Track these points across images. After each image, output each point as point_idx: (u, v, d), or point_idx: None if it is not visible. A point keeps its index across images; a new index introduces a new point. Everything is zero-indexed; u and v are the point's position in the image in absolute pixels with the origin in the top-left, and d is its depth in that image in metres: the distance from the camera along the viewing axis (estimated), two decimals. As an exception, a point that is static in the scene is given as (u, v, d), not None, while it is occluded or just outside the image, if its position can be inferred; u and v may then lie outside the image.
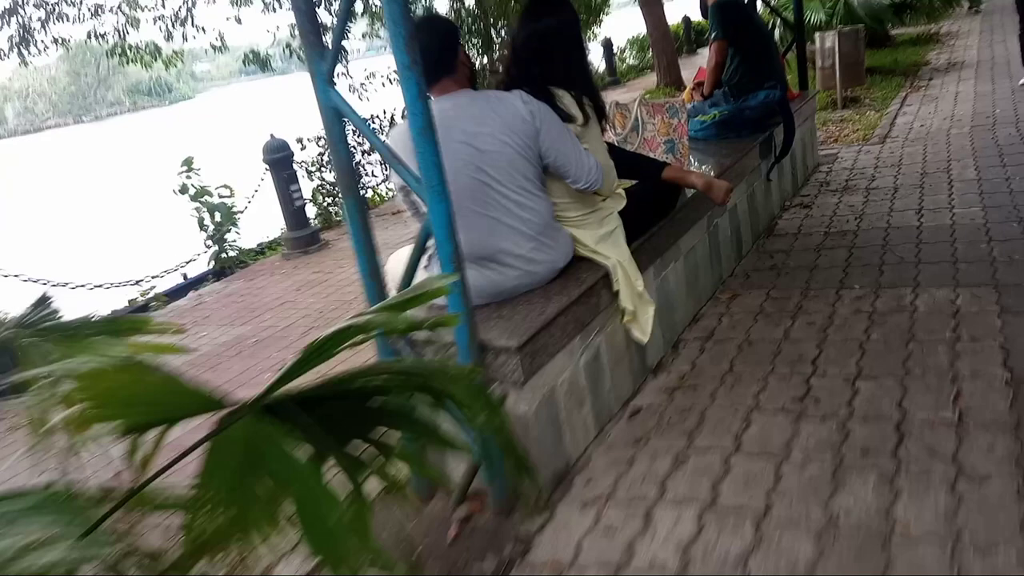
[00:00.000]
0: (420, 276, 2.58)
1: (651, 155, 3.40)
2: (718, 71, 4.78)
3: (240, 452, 0.79)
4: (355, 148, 7.47)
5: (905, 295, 3.20)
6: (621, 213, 2.81)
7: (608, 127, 3.41)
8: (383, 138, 2.30)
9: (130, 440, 0.97)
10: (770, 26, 7.95)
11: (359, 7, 10.61)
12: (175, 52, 14.94)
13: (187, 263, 6.84)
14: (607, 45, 15.57)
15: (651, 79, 13.58)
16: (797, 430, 2.42)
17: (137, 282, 6.27)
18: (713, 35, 4.77)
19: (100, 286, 5.66)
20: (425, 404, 0.90)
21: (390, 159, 2.11)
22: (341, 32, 2.05)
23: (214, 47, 12.06)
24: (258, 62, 12.01)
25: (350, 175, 2.19)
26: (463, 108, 2.39)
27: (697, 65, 6.85)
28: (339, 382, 0.89)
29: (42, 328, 1.72)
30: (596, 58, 16.24)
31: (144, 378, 0.81)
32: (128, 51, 14.02)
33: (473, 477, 2.33)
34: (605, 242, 2.68)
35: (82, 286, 5.49)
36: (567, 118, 2.57)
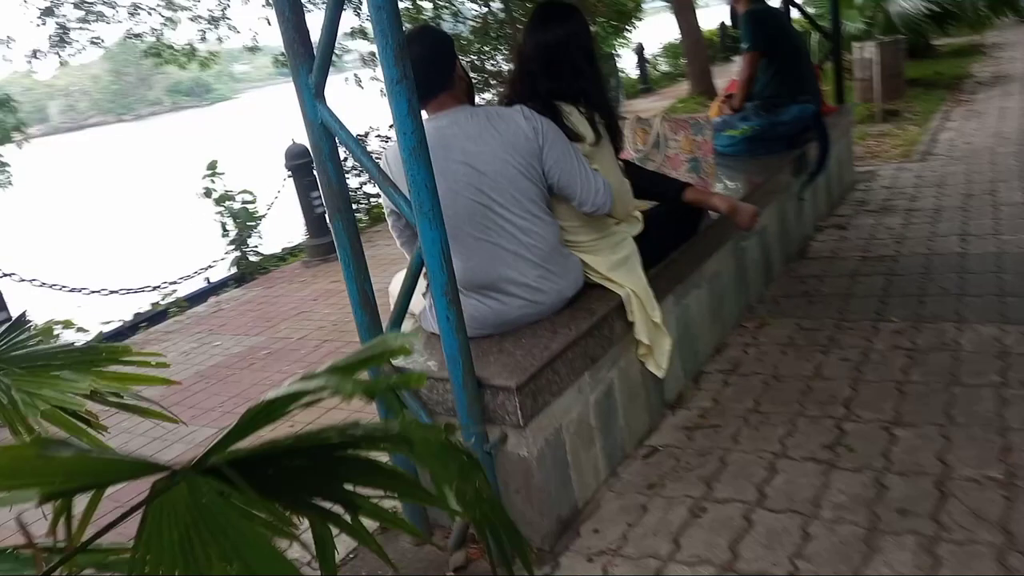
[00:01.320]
0: (419, 303, 2.42)
1: (673, 174, 3.20)
2: (749, 83, 4.55)
3: (184, 514, 0.73)
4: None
5: (947, 331, 2.96)
6: (638, 237, 2.61)
7: (627, 144, 3.22)
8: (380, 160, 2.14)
9: (56, 504, 0.92)
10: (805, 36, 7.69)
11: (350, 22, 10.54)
12: (210, 53, 15.03)
13: (207, 268, 6.76)
14: (639, 51, 15.32)
15: (684, 87, 13.32)
16: (827, 482, 2.20)
17: (154, 287, 6.19)
18: (745, 46, 4.55)
19: (116, 291, 5.57)
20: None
21: (380, 181, 1.94)
22: (329, 42, 1.89)
23: (248, 48, 12.08)
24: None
25: (340, 195, 2.03)
26: (461, 126, 2.22)
27: (731, 73, 6.62)
28: (293, 441, 0.80)
29: (9, 357, 1.58)
30: (628, 64, 16.03)
31: (52, 454, 0.71)
32: (164, 52, 14.11)
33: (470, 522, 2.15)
34: (619, 269, 2.49)
35: (98, 291, 5.40)
36: (574, 136, 2.38)
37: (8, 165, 14.17)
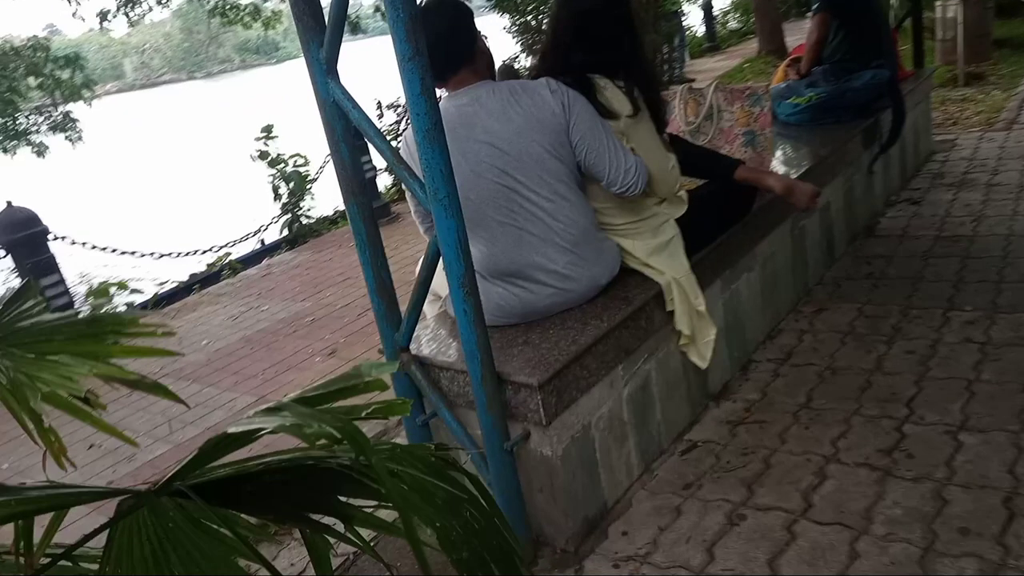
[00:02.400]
0: (446, 286, 2.29)
1: (726, 148, 2.98)
2: (818, 47, 4.24)
3: (151, 536, 0.73)
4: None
5: (1027, 323, 2.70)
6: (685, 218, 2.42)
7: (677, 115, 3.01)
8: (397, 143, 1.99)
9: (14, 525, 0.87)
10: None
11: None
12: (274, 12, 15.03)
13: (257, 232, 6.77)
14: (707, 8, 14.73)
15: (753, 45, 12.75)
16: (882, 492, 2.02)
17: (206, 251, 6.22)
18: (815, 6, 4.23)
19: (168, 255, 5.60)
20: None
21: (394, 165, 1.81)
22: (339, 15, 1.74)
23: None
24: (349, 23, 11.91)
25: (354, 178, 1.90)
26: (483, 103, 2.06)
27: (805, 30, 6.27)
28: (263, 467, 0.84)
29: (12, 331, 1.52)
30: (696, 22, 15.45)
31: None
32: (228, 12, 14.17)
33: (492, 521, 2.03)
34: (659, 254, 2.31)
35: (149, 254, 5.44)
36: (607, 113, 2.20)
37: (78, 121, 14.46)
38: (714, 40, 14.73)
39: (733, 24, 16.62)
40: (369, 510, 0.85)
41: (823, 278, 3.40)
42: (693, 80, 11.69)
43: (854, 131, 3.79)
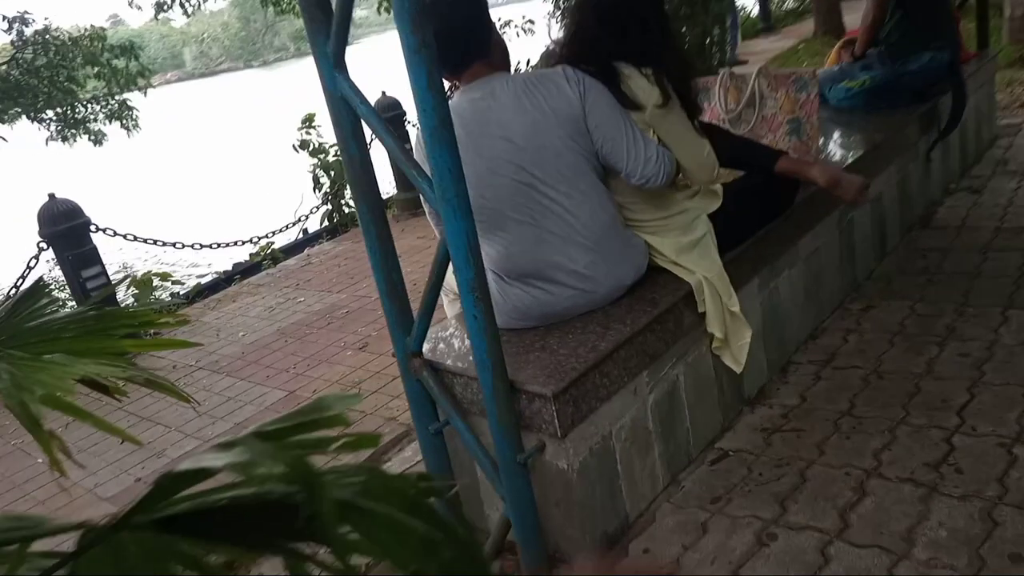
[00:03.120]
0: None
1: (769, 137, 2.82)
2: (875, 27, 4.00)
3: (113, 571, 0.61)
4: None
5: (1095, 325, 2.50)
6: (720, 212, 2.29)
7: (717, 102, 2.85)
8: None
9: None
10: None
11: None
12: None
13: (298, 222, 6.79)
14: (763, -13, 14.29)
15: (809, 26, 12.31)
16: (926, 511, 1.87)
17: (246, 242, 6.24)
18: (873, -17, 3.99)
19: (208, 246, 5.64)
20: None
21: (403, 163, 1.71)
22: (347, 5, 1.65)
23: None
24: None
25: (364, 177, 1.81)
26: (498, 96, 1.96)
27: (864, 10, 5.95)
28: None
29: (20, 331, 1.48)
30: (750, 2, 15.01)
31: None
32: (280, 1, 14.25)
33: (507, 531, 1.95)
34: (689, 252, 2.18)
35: (190, 246, 5.48)
36: (630, 104, 2.07)
37: (134, 110, 14.73)
38: (769, 20, 14.28)
39: (790, 3, 16.09)
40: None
41: (873, 272, 3.21)
42: (746, 62, 11.35)
43: (910, 117, 3.58)
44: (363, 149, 1.80)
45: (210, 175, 16.37)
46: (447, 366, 1.97)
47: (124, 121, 14.99)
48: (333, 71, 1.73)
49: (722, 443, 2.30)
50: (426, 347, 2.04)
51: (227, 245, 5.66)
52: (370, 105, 1.73)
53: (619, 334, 1.95)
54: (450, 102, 2.06)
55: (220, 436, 3.41)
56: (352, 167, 1.81)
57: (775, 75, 2.82)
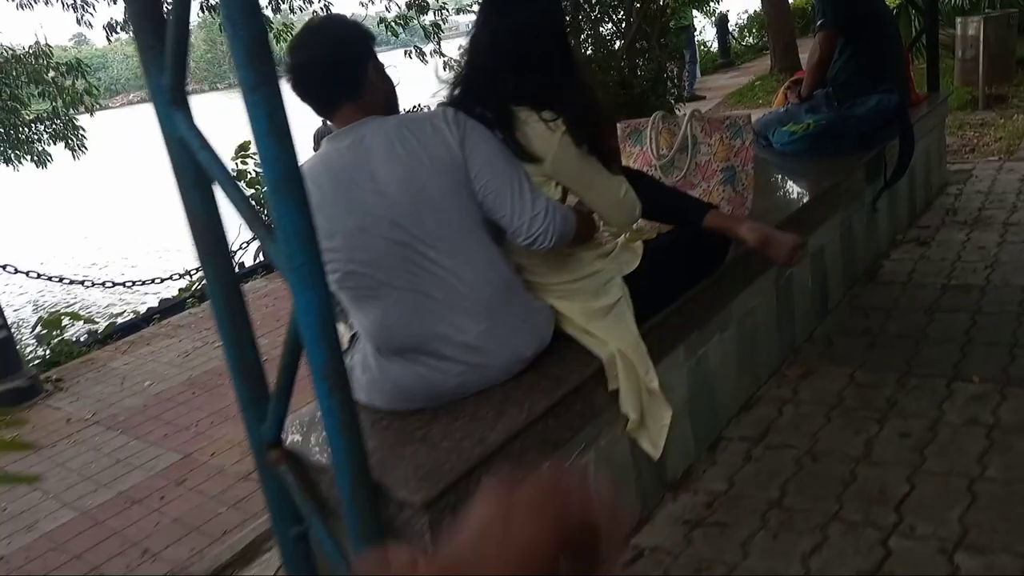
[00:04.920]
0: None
1: (701, 187, 2.60)
2: (821, 67, 3.84)
3: None
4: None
5: (1046, 402, 2.30)
6: (641, 272, 2.05)
7: (648, 146, 2.63)
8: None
9: None
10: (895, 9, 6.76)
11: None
12: (285, 25, 14.82)
13: (236, 253, 6.46)
14: (722, 22, 14.33)
15: (768, 62, 12.34)
16: (858, 632, 1.63)
17: (178, 276, 5.90)
18: (819, 22, 3.84)
19: (124, 284, 5.28)
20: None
21: (251, 222, 1.44)
22: (180, 35, 1.39)
23: (323, 19, 11.80)
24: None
25: (211, 234, 1.54)
26: (368, 143, 1.70)
27: (811, 49, 5.85)
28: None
29: None
30: (709, 37, 15.07)
31: None
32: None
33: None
34: (601, 320, 1.93)
35: (101, 284, 5.12)
36: (523, 154, 1.84)
37: (80, 130, 14.25)
38: (728, 56, 14.33)
39: (749, 40, 16.20)
40: None
41: (814, 333, 3.00)
42: (704, 97, 11.30)
43: (856, 163, 3.40)
44: (208, 202, 1.53)
45: (155, 201, 15.89)
46: (311, 460, 1.69)
47: (70, 142, 14.51)
48: (169, 108, 1.47)
49: (639, 538, 2.04)
50: (290, 434, 1.76)
51: (145, 282, 5.31)
52: (212, 150, 1.46)
53: (513, 422, 1.69)
54: (318, 151, 1.81)
55: (100, 507, 3.08)
56: (195, 223, 1.54)
57: (708, 120, 2.61)
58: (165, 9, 1.47)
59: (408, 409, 1.80)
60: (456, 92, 1.94)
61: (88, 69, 14.36)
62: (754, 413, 2.52)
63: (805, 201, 3.00)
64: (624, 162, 2.73)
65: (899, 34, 4.22)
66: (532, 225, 1.73)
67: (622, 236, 2.15)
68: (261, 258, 6.51)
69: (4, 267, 4.47)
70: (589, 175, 1.93)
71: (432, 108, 1.90)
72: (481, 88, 1.88)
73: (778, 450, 2.31)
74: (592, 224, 2.03)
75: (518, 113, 1.85)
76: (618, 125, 2.71)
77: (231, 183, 1.44)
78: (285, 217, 1.30)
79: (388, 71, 1.90)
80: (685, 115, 2.64)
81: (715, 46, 14.88)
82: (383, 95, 1.79)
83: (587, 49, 7.71)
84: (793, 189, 3.25)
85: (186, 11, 1.40)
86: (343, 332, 2.00)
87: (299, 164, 1.30)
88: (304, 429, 1.82)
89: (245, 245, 6.53)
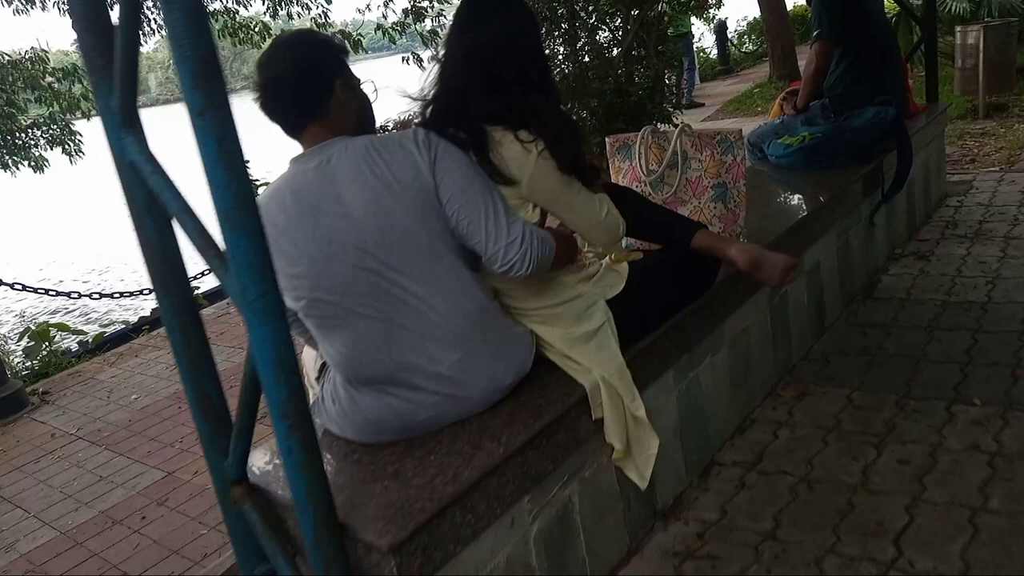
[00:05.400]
0: (313, 392, 1.86)
1: (694, 203, 2.53)
2: (817, 79, 3.78)
3: None
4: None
5: (1050, 427, 2.22)
6: (627, 295, 1.97)
7: (637, 162, 2.56)
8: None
9: None
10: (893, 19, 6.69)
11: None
12: (283, 32, 14.77)
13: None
14: (721, 29, 14.28)
15: (767, 69, 12.28)
16: (853, 678, 1.54)
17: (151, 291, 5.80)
18: (816, 32, 3.77)
19: (111, 295, 5.20)
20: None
21: (205, 252, 1.36)
22: (129, 54, 1.32)
23: (318, 24, 11.76)
24: (350, 42, 11.62)
25: (166, 263, 1.47)
26: (335, 165, 1.63)
27: (808, 59, 5.78)
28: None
29: None
30: (708, 43, 15.03)
31: None
32: (238, 31, 13.90)
33: None
34: (584, 346, 1.85)
35: (88, 295, 5.04)
36: (499, 177, 1.76)
37: (77, 135, 14.18)
38: (727, 63, 14.29)
39: (749, 46, 16.15)
40: None
41: (810, 352, 2.92)
42: (702, 104, 11.24)
43: (853, 177, 3.33)
44: (163, 230, 1.45)
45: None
46: (276, 496, 1.61)
47: (67, 147, 14.43)
48: (119, 131, 1.39)
49: (628, 570, 1.96)
50: (256, 465, 1.69)
51: (132, 294, 5.22)
52: (165, 175, 1.39)
53: (490, 456, 1.60)
54: (284, 172, 1.74)
55: (79, 528, 3.01)
56: (149, 252, 1.46)
57: (699, 135, 2.53)
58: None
59: (381, 441, 1.72)
60: (428, 112, 1.86)
61: (84, 74, 14.31)
62: (748, 436, 2.44)
63: (801, 216, 2.93)
64: (613, 178, 2.66)
65: (897, 44, 4.15)
66: (508, 252, 1.65)
67: (607, 257, 2.08)
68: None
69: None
70: (568, 196, 1.85)
71: (397, 127, 1.82)
72: (453, 107, 1.81)
73: (772, 476, 2.22)
74: (574, 246, 1.96)
75: (492, 133, 1.77)
76: (607, 140, 2.64)
77: (185, 211, 1.36)
78: (238, 248, 1.22)
79: (364, 86, 1.83)
80: (677, 130, 2.56)
81: (714, 53, 14.84)
82: (354, 113, 1.71)
83: (584, 57, 7.64)
84: (788, 203, 3.18)
85: (135, 30, 1.32)
86: (315, 359, 1.92)
87: (252, 191, 1.23)
88: (271, 460, 1.74)
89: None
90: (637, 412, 1.89)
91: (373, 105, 1.85)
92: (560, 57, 7.58)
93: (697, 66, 12.65)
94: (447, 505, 1.49)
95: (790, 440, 2.39)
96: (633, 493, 2.01)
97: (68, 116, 14.12)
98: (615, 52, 7.87)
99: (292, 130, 1.72)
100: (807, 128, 3.64)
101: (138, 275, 7.73)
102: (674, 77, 9.22)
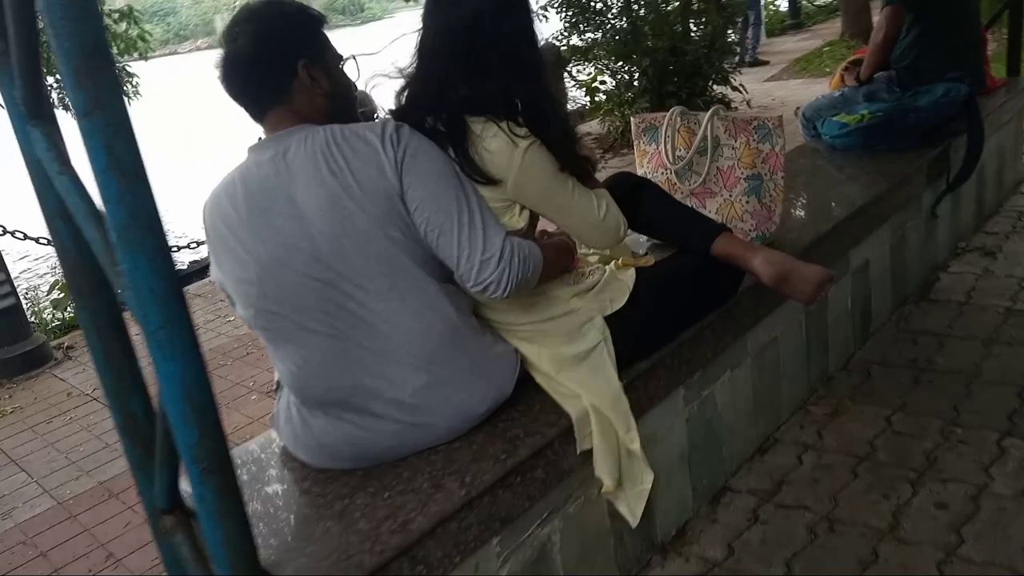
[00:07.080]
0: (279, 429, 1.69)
1: (724, 196, 2.26)
2: (885, 47, 3.40)
3: None
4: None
5: (1119, 476, 1.93)
6: (633, 307, 1.74)
7: (662, 148, 2.29)
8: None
9: None
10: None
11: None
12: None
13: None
14: (792, -19, 13.51)
15: (839, 25, 11.57)
16: None
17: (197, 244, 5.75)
18: (885, -4, 3.40)
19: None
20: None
21: (108, 268, 1.18)
22: (27, 38, 1.13)
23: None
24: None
25: (81, 269, 1.29)
26: (291, 159, 1.42)
27: (876, 25, 5.33)
28: None
29: None
30: (780, -3, 14.26)
31: None
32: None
33: None
34: (574, 369, 1.64)
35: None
36: (480, 175, 1.54)
37: (134, 76, 14.27)
38: (798, 17, 13.53)
39: (821, 0, 15.26)
40: None
41: (850, 360, 2.64)
42: (767, 63, 10.65)
43: (915, 163, 3.00)
44: (78, 235, 1.27)
45: (208, 153, 15.85)
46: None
47: (123, 88, 14.56)
48: (26, 123, 1.21)
49: (613, 613, 1.77)
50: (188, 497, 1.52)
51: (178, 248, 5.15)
52: (75, 175, 1.20)
53: (449, 500, 1.41)
54: (240, 163, 1.54)
55: (76, 499, 2.96)
56: (65, 257, 1.29)
57: (734, 120, 2.25)
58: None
59: (336, 468, 1.54)
60: (403, 100, 1.63)
61: (141, 16, 14.33)
62: (769, 459, 2.21)
63: (852, 207, 2.62)
64: (638, 161, 2.41)
65: (978, 11, 3.72)
66: (482, 271, 1.42)
67: (611, 264, 1.84)
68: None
69: (12, 233, 4.35)
70: (561, 196, 1.62)
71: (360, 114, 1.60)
72: (430, 96, 1.57)
73: (790, 511, 1.99)
74: (569, 253, 1.73)
75: (473, 125, 1.54)
76: (632, 120, 2.38)
77: (90, 216, 1.18)
78: (136, 272, 1.03)
79: (346, 65, 1.61)
80: (709, 114, 2.27)
81: (784, 5, 14.06)
82: (322, 98, 1.50)
83: (639, 11, 7.22)
84: (839, 191, 2.87)
85: (30, 10, 1.12)
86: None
87: (153, 204, 1.03)
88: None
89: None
90: (632, 445, 1.67)
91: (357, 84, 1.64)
92: (613, 13, 7.17)
93: (764, 20, 11.99)
94: (391, 559, 1.31)
95: (815, 467, 2.14)
96: (627, 527, 1.81)
97: (125, 57, 14.20)
98: (673, 6, 7.43)
99: (253, 115, 1.53)
100: (868, 105, 3.28)
101: (175, 227, 7.69)
102: (736, 35, 8.71)
